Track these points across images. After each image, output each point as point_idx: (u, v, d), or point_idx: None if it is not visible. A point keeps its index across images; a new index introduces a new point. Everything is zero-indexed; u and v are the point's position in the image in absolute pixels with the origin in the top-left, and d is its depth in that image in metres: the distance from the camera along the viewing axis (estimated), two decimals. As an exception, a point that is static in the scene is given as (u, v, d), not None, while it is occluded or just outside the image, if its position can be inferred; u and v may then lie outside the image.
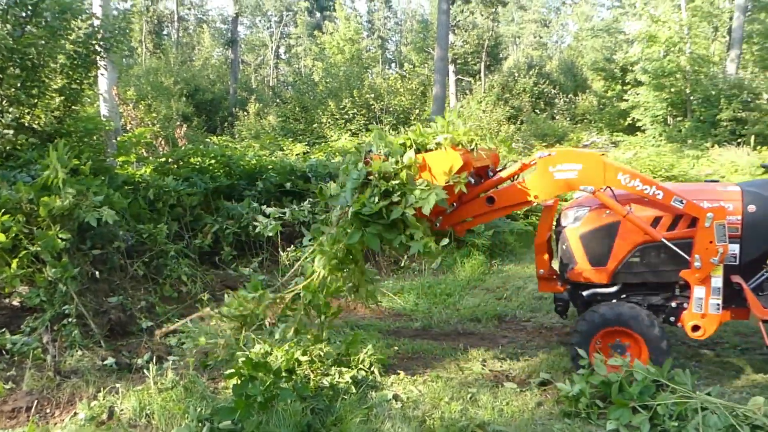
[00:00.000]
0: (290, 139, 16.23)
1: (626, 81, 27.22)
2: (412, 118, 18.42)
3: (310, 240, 4.47)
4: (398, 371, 4.40)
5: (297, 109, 20.50)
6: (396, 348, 5.02)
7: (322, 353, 4.27)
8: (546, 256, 4.63)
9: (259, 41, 49.45)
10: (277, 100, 25.66)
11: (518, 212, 9.22)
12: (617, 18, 34.74)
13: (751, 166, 16.46)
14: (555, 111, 26.89)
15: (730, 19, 25.35)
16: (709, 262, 3.79)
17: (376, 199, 3.86)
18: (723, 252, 3.74)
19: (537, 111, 26.51)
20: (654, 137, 23.79)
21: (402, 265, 7.85)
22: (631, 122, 25.98)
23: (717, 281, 3.83)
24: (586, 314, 4.15)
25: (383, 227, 3.91)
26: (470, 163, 4.15)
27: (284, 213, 6.56)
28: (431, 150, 4.09)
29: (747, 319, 4.11)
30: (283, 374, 3.77)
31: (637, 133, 24.95)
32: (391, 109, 18.26)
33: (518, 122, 22.80)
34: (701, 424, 3.22)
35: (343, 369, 4.20)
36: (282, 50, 50.92)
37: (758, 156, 17.77)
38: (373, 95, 18.83)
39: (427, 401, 3.92)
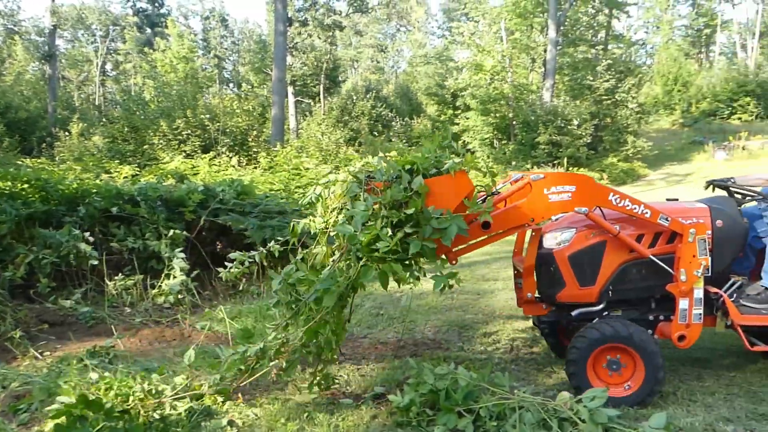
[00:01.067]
0: (118, 162, 15.23)
1: (457, 106, 29.08)
2: (250, 140, 18.13)
3: (279, 283, 3.98)
4: (236, 396, 4.25)
5: (126, 129, 19.32)
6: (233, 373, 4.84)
7: (156, 386, 3.98)
8: (533, 279, 4.55)
9: (82, 56, 46.08)
10: (104, 120, 24.01)
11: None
12: (447, 47, 37.06)
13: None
14: (392, 133, 27.98)
15: (545, 51, 28.07)
16: (693, 275, 4.00)
17: (390, 232, 3.56)
18: (705, 265, 4.02)
19: (375, 133, 27.39)
20: (483, 159, 25.61)
21: (240, 289, 7.63)
22: (462, 145, 27.76)
23: (699, 293, 4.04)
24: (584, 331, 4.13)
25: (396, 262, 3.59)
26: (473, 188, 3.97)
27: (252, 257, 5.80)
28: (433, 175, 3.83)
29: (714, 326, 4.37)
30: (116, 413, 3.43)
31: (468, 154, 26.73)
32: (227, 130, 17.83)
33: (357, 144, 23.39)
34: (518, 422, 3.45)
35: (179, 402, 3.95)
36: (109, 66, 47.87)
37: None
38: (208, 116, 18.28)
39: (264, 424, 3.82)
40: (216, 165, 13.28)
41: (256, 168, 14.04)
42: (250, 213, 8.09)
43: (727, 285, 4.34)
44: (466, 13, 32.65)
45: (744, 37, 60.00)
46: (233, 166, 13.73)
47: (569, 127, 24.21)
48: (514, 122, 26.22)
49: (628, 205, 4.04)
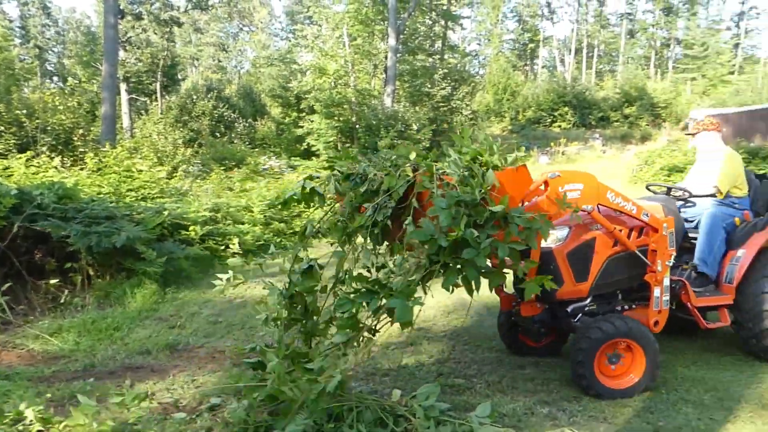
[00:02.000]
0: None
1: (301, 108, 29.02)
2: (75, 139, 16.71)
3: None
4: (53, 422, 3.87)
5: None
6: (49, 395, 4.41)
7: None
8: None
9: None
10: None
11: (194, 236, 9.03)
12: (291, 49, 36.89)
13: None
14: (234, 135, 27.27)
15: (386, 58, 28.91)
16: (666, 265, 4.37)
17: (476, 233, 3.20)
18: (673, 256, 4.41)
19: (217, 134, 26.53)
20: (327, 162, 25.75)
21: (62, 301, 7.01)
22: (306, 147, 27.73)
23: (667, 281, 4.42)
24: (588, 329, 4.23)
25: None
26: None
27: None
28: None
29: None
30: None
31: (313, 157, 26.77)
32: (48, 128, 16.28)
33: (197, 145, 22.49)
34: (354, 421, 3.50)
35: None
36: None
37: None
38: (25, 111, 16.57)
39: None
40: (35, 166, 12.06)
41: (82, 169, 12.95)
42: (74, 218, 7.45)
43: (681, 273, 4.94)
44: (309, 16, 32.76)
45: (562, 53, 66.31)
46: (55, 168, 12.55)
47: (409, 131, 25.15)
48: (357, 126, 26.71)
49: (620, 203, 4.28)
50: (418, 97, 30.67)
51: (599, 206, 4.32)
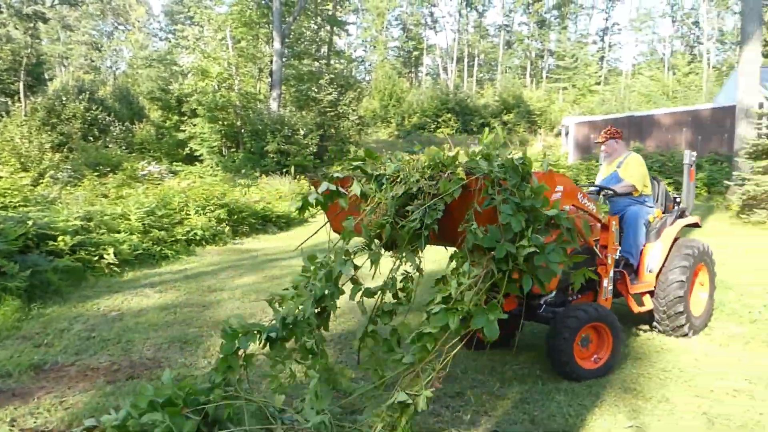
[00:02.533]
0: None
1: (183, 112, 27.94)
2: None
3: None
4: None
5: None
6: None
7: None
8: None
9: None
10: None
11: (63, 247, 8.39)
12: (171, 50, 35.43)
13: (292, 192, 18.71)
14: (109, 139, 25.74)
15: (271, 62, 28.50)
16: (613, 258, 4.95)
17: (540, 238, 3.15)
18: (618, 250, 5.01)
19: (90, 138, 24.92)
20: (211, 167, 24.99)
21: None
22: (189, 152, 26.74)
23: (611, 272, 5.01)
24: (566, 318, 4.52)
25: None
26: None
27: None
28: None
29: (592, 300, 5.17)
30: None
31: (196, 162, 25.85)
32: None
33: (67, 150, 21.00)
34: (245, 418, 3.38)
35: None
36: None
37: (298, 184, 20.33)
38: None
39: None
40: None
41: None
42: None
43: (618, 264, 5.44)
44: (190, 16, 31.62)
45: (445, 61, 68.55)
46: None
47: (296, 136, 24.94)
48: (243, 130, 26.13)
49: (586, 203, 4.44)
50: (304, 102, 30.48)
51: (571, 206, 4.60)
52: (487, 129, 3.83)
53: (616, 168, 6.00)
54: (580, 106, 47.44)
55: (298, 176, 22.27)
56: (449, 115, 44.47)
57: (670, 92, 48.20)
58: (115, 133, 26.26)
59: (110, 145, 24.88)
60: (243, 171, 22.88)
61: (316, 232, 4.25)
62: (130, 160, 20.96)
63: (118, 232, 10.05)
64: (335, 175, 3.90)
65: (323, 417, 3.44)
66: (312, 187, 4.49)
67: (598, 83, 59.09)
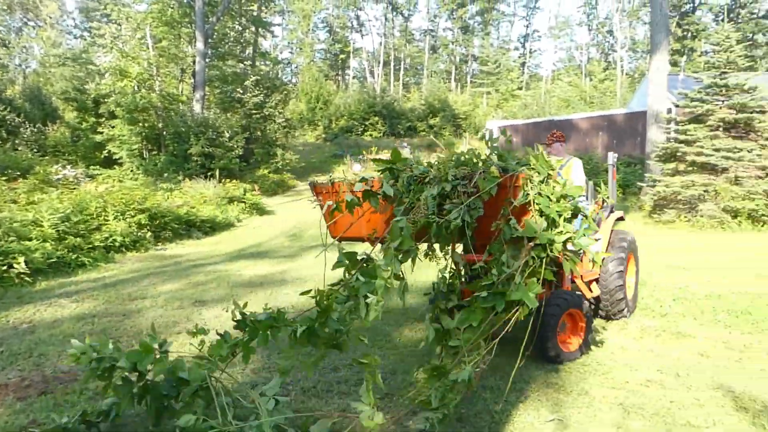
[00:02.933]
0: None
1: (100, 113, 26.77)
2: None
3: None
4: None
5: None
6: None
7: None
8: None
9: None
10: None
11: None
12: (87, 48, 33.90)
13: (217, 196, 18.30)
14: (19, 141, 24.34)
15: (194, 62, 27.76)
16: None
17: (570, 226, 3.69)
18: None
19: (-2, 140, 23.51)
20: (132, 170, 24.07)
21: None
22: (107, 155, 25.65)
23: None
24: (550, 306, 4.81)
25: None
26: None
27: None
28: None
29: None
30: None
31: (115, 166, 24.83)
32: None
33: (-28, 153, 19.72)
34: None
35: None
36: None
37: (223, 187, 19.91)
38: None
39: None
40: None
41: None
42: None
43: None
44: (107, 14, 30.36)
45: (372, 65, 68.91)
46: None
47: (221, 139, 24.40)
48: (165, 133, 25.31)
49: None
50: (229, 104, 29.88)
51: None
52: (484, 132, 4.37)
53: (559, 170, 6.27)
54: (503, 110, 48.84)
55: (223, 180, 21.79)
56: (376, 119, 44.71)
57: (587, 97, 50.30)
58: (25, 135, 24.87)
59: (20, 148, 23.53)
60: (165, 174, 22.17)
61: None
62: (42, 163, 19.90)
63: (30, 239, 9.51)
64: (366, 177, 4.24)
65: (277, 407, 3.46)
66: (315, 194, 4.84)
67: (520, 88, 61.00)
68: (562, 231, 3.61)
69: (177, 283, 8.80)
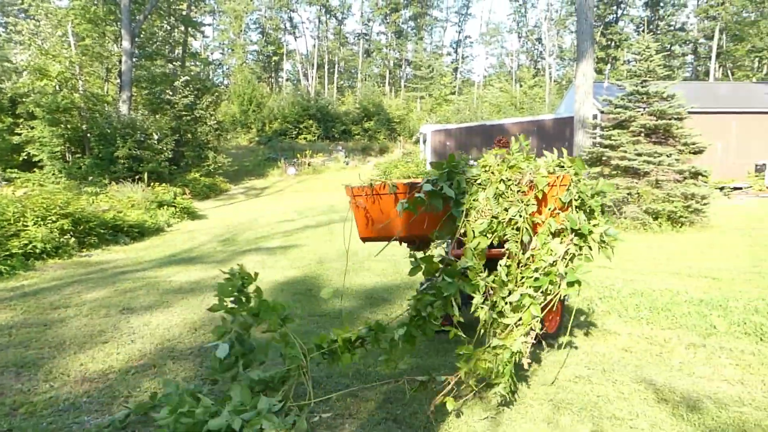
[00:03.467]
0: None
1: (18, 113, 25.47)
2: None
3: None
4: None
5: None
6: None
7: None
8: None
9: None
10: None
11: None
12: (2, 45, 32.18)
13: (146, 200, 17.72)
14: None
15: (120, 62, 26.82)
16: None
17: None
18: None
19: None
20: (54, 174, 23.01)
21: None
22: (26, 158, 24.43)
23: None
24: None
25: None
26: None
27: None
28: None
29: None
30: None
31: (35, 169, 23.67)
32: None
33: None
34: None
35: None
36: None
37: (152, 191, 19.29)
38: None
39: None
40: None
41: None
42: None
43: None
44: (25, 9, 28.93)
45: (306, 67, 68.52)
46: None
47: (149, 141, 23.68)
48: (89, 134, 24.31)
49: None
50: (158, 105, 29.03)
51: None
52: (513, 138, 4.79)
53: None
54: (437, 115, 49.53)
55: (152, 183, 21.13)
56: (311, 122, 44.49)
57: (517, 103, 51.77)
58: (-67, 137, 23.40)
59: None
60: (90, 178, 21.31)
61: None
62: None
63: (-62, 247, 8.93)
64: (429, 178, 4.36)
65: None
66: (353, 197, 5.00)
67: (453, 93, 62.10)
68: (597, 223, 4.22)
69: (103, 291, 8.44)
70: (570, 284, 4.09)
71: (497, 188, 4.25)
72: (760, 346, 5.51)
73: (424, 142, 30.49)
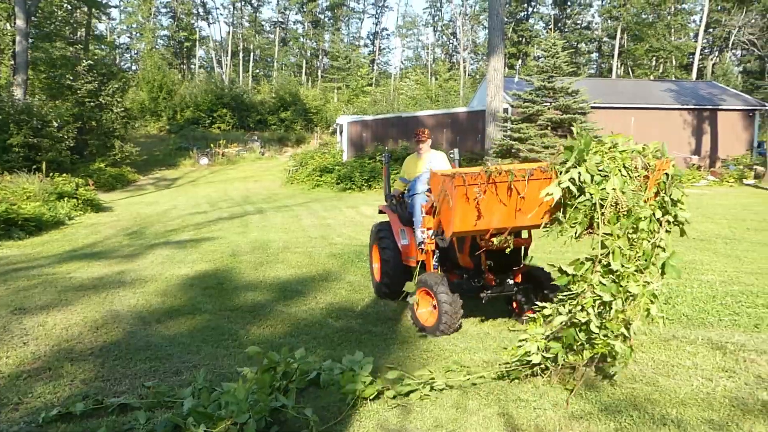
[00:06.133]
0: None
1: None
2: None
3: None
4: None
5: None
6: None
7: None
8: None
9: None
10: None
11: None
12: None
13: (44, 192, 16.70)
14: None
15: (14, 42, 25.05)
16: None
17: None
18: None
19: None
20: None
21: None
22: None
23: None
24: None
25: None
26: None
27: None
28: None
29: None
30: None
31: None
32: None
33: None
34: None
35: None
36: None
37: (51, 182, 18.18)
38: None
39: None
40: None
41: None
42: None
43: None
44: None
45: (219, 54, 66.61)
46: None
47: (48, 128, 22.29)
48: (-20, 120, 22.61)
49: None
50: (58, 90, 27.37)
51: None
52: (576, 130, 4.35)
53: (429, 165, 6.74)
54: (354, 106, 49.48)
55: (51, 174, 19.88)
56: (225, 111, 43.37)
57: (433, 96, 52.50)
58: None
59: None
60: (-18, 167, 19.83)
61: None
62: None
63: None
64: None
65: None
66: (460, 185, 4.42)
67: (370, 84, 62.21)
68: (684, 208, 4.17)
69: (-7, 289, 7.88)
70: (668, 271, 4.05)
71: (623, 177, 3.99)
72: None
73: (341, 133, 30.36)
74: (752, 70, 54.77)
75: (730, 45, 53.05)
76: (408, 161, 7.17)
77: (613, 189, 3.95)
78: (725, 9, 46.76)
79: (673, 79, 46.03)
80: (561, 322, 4.10)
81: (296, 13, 71.43)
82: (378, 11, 76.19)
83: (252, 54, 67.69)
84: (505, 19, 22.16)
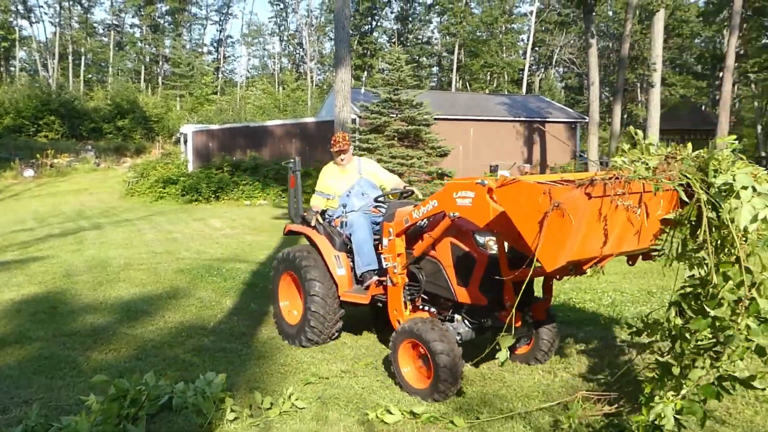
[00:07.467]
0: None
1: None
2: None
3: None
4: None
5: None
6: None
7: None
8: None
9: None
10: None
11: None
12: None
13: None
14: None
15: None
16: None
17: None
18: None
19: None
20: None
21: None
22: None
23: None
24: None
25: None
26: None
27: None
28: None
29: None
30: None
31: None
32: None
33: None
34: None
35: None
36: None
37: None
38: None
39: None
40: None
41: None
42: None
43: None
44: None
45: (45, 57, 61.08)
46: None
47: None
48: None
49: None
50: None
51: None
52: (633, 130, 3.79)
53: (360, 174, 5.91)
54: (199, 115, 47.73)
55: None
56: (53, 118, 39.93)
57: (281, 105, 52.15)
58: None
59: None
60: None
61: None
62: None
63: None
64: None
65: None
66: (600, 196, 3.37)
67: (215, 93, 60.37)
68: None
69: None
70: None
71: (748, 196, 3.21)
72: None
73: (186, 142, 29.08)
74: (573, 86, 60.77)
75: (553, 62, 58.34)
76: (327, 173, 6.03)
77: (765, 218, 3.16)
78: (549, 30, 51.53)
79: (506, 93, 49.71)
80: (699, 377, 3.27)
81: (133, 16, 67.50)
82: (222, 18, 74.09)
83: (83, 57, 62.85)
84: (351, 32, 22.64)
